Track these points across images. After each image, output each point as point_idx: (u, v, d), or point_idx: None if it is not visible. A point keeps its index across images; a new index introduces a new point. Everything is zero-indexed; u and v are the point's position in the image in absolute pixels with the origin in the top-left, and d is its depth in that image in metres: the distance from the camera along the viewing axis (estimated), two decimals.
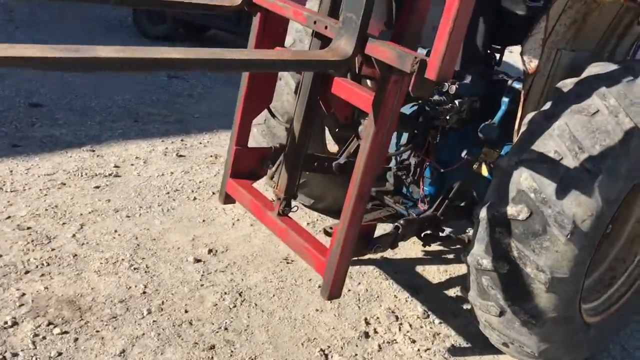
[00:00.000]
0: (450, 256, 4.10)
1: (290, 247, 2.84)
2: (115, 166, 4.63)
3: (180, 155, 5.04)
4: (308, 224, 4.24)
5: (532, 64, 2.86)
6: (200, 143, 5.41)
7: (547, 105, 2.72)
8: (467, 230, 3.69)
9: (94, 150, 4.83)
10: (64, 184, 4.21)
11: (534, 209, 2.50)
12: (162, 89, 6.87)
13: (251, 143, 4.09)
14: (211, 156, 5.15)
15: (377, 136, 2.42)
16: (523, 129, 2.77)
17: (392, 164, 3.73)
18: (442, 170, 3.38)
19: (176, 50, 1.79)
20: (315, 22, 2.49)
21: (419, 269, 3.89)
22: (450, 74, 2.06)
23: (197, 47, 1.87)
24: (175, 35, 9.50)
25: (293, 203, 2.98)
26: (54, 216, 3.77)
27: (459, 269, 3.94)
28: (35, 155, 4.59)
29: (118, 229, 3.76)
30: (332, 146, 4.22)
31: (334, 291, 2.64)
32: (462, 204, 3.60)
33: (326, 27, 2.44)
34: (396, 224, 2.94)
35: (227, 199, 3.23)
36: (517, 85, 3.26)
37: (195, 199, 4.32)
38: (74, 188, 4.18)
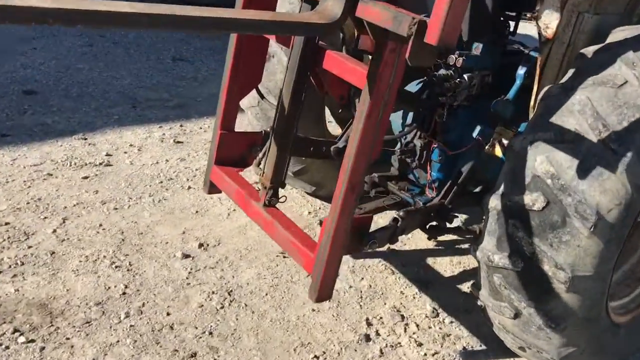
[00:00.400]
0: (465, 246, 3.76)
1: (276, 242, 2.55)
2: (107, 155, 4.37)
3: (178, 142, 4.77)
4: (309, 212, 3.94)
5: (549, 30, 2.50)
6: (201, 128, 5.13)
7: (567, 77, 2.38)
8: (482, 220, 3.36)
9: (86, 139, 4.58)
10: (51, 175, 3.96)
11: (552, 197, 2.16)
12: (165, 72, 6.59)
13: (247, 127, 3.80)
14: (210, 142, 4.85)
15: (371, 116, 2.11)
16: (539, 104, 2.42)
17: (397, 146, 3.39)
18: (450, 153, 3.04)
19: (129, 4, 1.50)
20: None
21: (430, 260, 3.56)
22: (454, 39, 1.73)
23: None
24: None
25: (281, 192, 2.67)
26: (36, 210, 3.53)
27: (474, 261, 3.60)
28: (24, 144, 4.35)
29: (103, 222, 3.50)
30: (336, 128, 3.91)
31: (323, 292, 2.33)
32: (475, 190, 3.27)
33: None
34: (395, 215, 2.61)
35: (212, 188, 2.95)
36: (534, 56, 2.90)
37: (189, 188, 4.05)
38: (61, 179, 3.93)
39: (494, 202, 2.37)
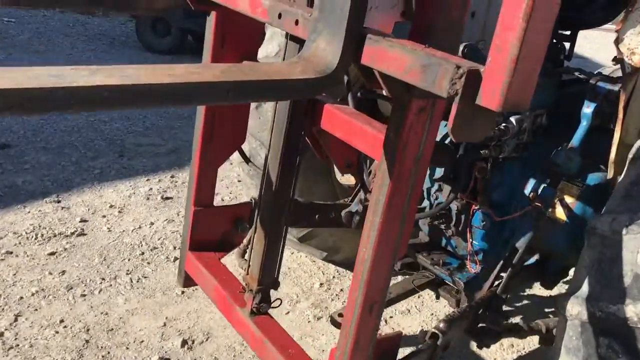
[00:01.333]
0: (516, 319, 3.03)
1: None
2: (82, 220, 3.71)
3: (167, 198, 4.10)
4: (321, 284, 3.23)
5: (636, 57, 1.79)
6: None
7: None
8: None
9: (59, 201, 3.93)
10: (10, 253, 3.30)
11: None
12: (161, 111, 5.97)
13: (238, 190, 3.11)
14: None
15: (392, 204, 1.46)
16: (631, 164, 1.71)
17: (425, 203, 2.69)
18: (497, 220, 2.33)
19: None
20: (280, 16, 1.49)
21: (473, 344, 2.82)
22: (527, 97, 1.02)
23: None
24: (184, 47, 8.66)
25: (274, 294, 1.97)
26: None
27: (531, 341, 2.87)
28: None
29: (66, 317, 2.83)
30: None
31: None
32: (530, 261, 2.54)
33: (297, 22, 1.44)
34: (433, 330, 1.88)
35: (188, 281, 2.27)
36: (605, 88, 2.19)
37: (176, 259, 3.36)
38: (22, 258, 3.27)
39: (576, 309, 1.65)
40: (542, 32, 0.99)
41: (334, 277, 3.30)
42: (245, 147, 2.89)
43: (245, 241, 2.12)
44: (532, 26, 0.96)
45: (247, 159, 2.35)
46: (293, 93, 1.26)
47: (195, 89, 1.08)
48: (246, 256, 2.05)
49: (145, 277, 3.18)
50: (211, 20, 2.04)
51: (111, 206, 3.93)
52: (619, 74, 2.69)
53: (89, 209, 3.87)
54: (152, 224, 3.74)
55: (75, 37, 9.08)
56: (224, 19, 2.02)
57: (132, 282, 3.14)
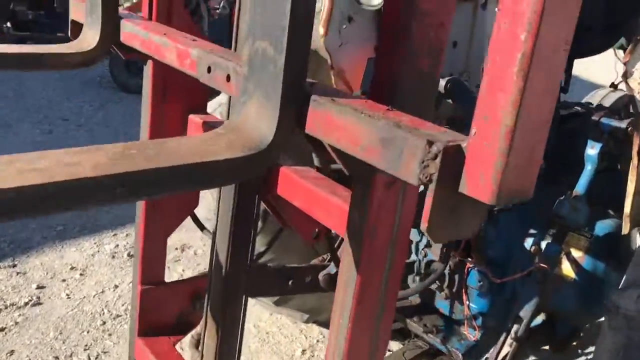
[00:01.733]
0: None
1: None
2: (39, 287, 3.36)
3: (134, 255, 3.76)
4: (303, 351, 2.89)
5: None
6: None
7: None
8: None
9: (15, 265, 3.58)
10: None
11: None
12: None
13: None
14: (176, 248, 3.87)
15: (364, 299, 1.21)
16: None
17: (413, 257, 2.37)
18: (497, 281, 2.01)
19: None
20: (209, 70, 1.18)
21: None
22: (531, 183, 0.71)
23: None
24: None
25: None
26: None
27: None
28: None
29: None
30: None
31: None
32: (535, 322, 2.22)
33: (228, 78, 1.12)
34: None
35: None
36: (610, 125, 1.90)
37: None
38: None
39: None
40: (548, 90, 0.69)
41: (318, 341, 2.96)
42: (209, 203, 2.58)
43: (198, 328, 1.79)
44: (533, 84, 0.66)
45: (201, 226, 2.03)
46: (210, 181, 0.94)
47: (65, 191, 0.76)
48: (200, 347, 1.73)
49: (105, 352, 2.83)
50: (148, 71, 1.75)
51: (72, 268, 3.58)
52: (615, 97, 2.43)
53: (47, 273, 3.52)
54: (116, 287, 3.40)
55: (48, 79, 8.77)
56: (164, 68, 1.74)
57: (90, 359, 2.79)
